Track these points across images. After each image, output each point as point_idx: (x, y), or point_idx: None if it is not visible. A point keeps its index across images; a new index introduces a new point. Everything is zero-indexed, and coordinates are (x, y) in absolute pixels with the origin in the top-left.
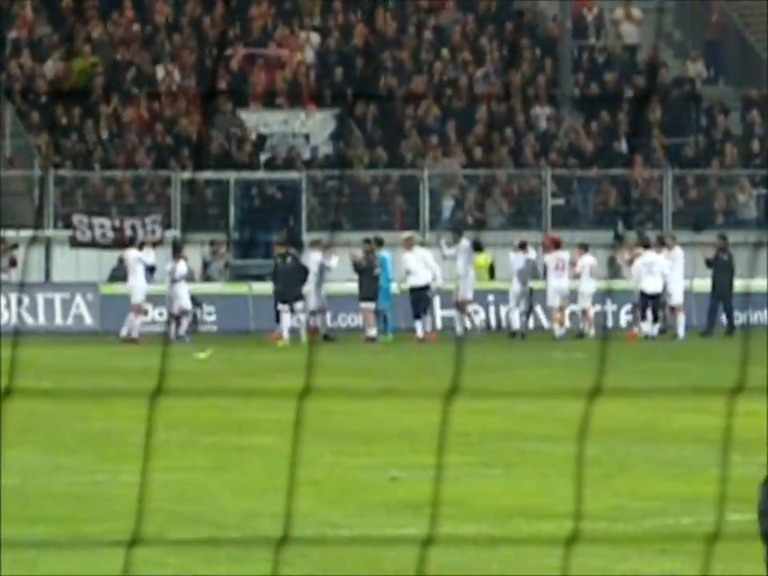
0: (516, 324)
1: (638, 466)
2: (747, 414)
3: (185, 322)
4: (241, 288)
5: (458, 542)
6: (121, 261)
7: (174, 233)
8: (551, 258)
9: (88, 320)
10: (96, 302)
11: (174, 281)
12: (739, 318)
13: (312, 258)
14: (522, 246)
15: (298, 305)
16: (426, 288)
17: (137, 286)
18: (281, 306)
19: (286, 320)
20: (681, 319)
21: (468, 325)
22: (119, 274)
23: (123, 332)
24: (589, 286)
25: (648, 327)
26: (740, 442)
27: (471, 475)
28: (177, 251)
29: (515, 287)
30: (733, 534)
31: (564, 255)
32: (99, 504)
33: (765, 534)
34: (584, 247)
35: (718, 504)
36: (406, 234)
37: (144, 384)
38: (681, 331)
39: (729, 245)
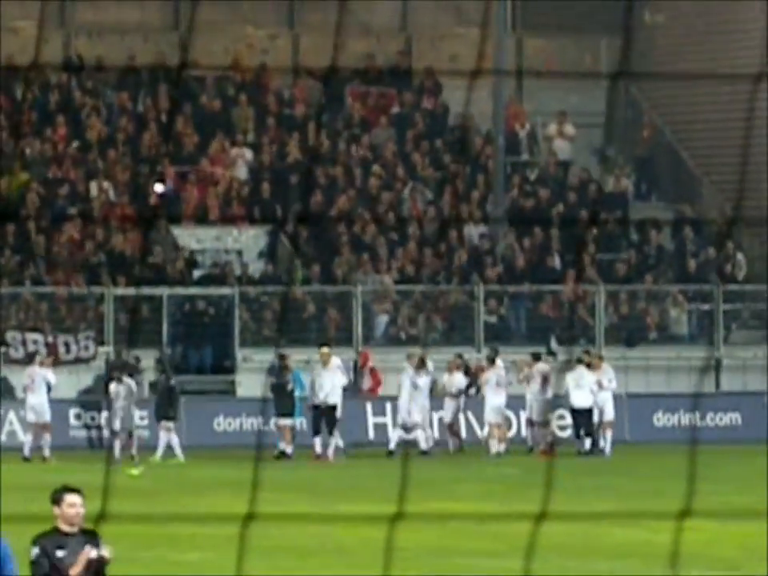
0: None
1: None
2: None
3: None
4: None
5: None
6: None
7: (107, 349)
8: (490, 375)
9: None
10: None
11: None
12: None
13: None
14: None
15: (168, 424)
16: (333, 408)
17: (44, 403)
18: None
19: (163, 437)
20: (609, 436)
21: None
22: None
23: (26, 451)
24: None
25: (582, 443)
26: (668, 557)
27: None
28: (114, 371)
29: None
30: None
31: (502, 371)
32: None
33: None
34: (536, 357)
35: None
36: (325, 350)
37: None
38: (608, 448)
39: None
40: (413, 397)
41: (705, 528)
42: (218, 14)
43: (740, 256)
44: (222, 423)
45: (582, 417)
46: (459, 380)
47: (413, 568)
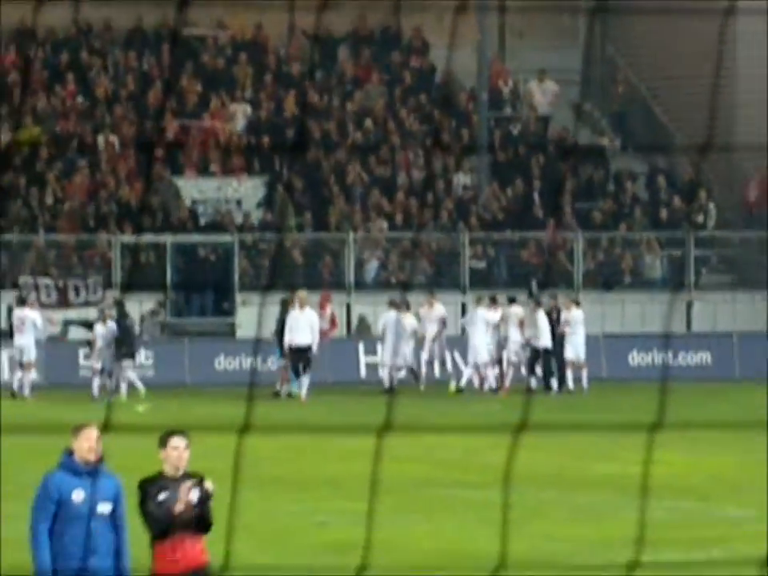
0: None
1: (550, 511)
2: (655, 462)
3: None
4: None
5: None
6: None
7: (114, 293)
8: (482, 316)
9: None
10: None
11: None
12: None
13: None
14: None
15: (125, 362)
16: (307, 349)
17: (31, 343)
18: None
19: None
20: (584, 375)
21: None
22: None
23: (15, 386)
24: (516, 336)
25: (535, 381)
26: (643, 488)
27: (395, 520)
28: (101, 312)
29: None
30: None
31: (493, 314)
32: None
33: None
34: (512, 300)
35: (636, 544)
36: (302, 293)
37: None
38: (585, 385)
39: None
40: (399, 338)
41: (675, 461)
42: None
43: (711, 205)
44: (222, 362)
45: (543, 357)
46: (438, 311)
47: (399, 499)
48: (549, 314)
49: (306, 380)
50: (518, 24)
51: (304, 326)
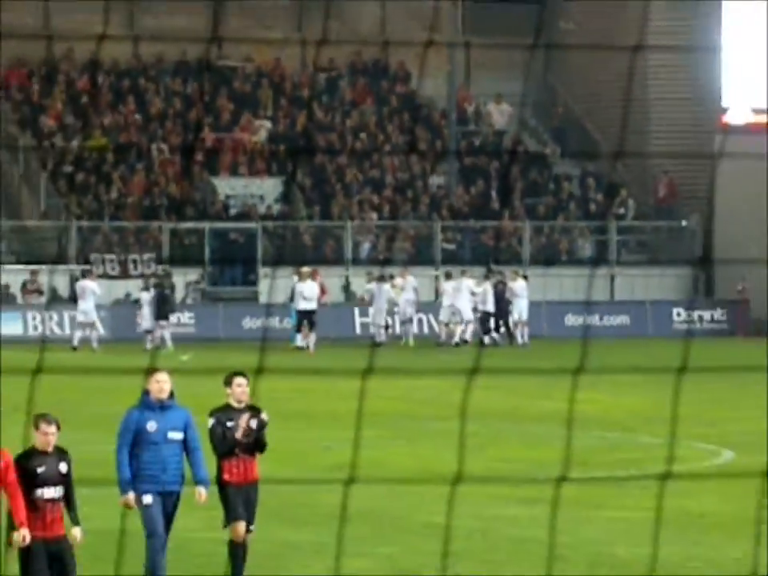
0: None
1: (506, 439)
2: (584, 401)
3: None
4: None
5: (374, 488)
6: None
7: (164, 266)
8: (447, 286)
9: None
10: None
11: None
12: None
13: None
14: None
15: (162, 322)
16: (312, 312)
17: (91, 307)
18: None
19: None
20: (525, 332)
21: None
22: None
23: (75, 342)
24: (466, 303)
25: (488, 338)
26: (579, 421)
27: (382, 445)
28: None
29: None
30: (573, 486)
31: (455, 284)
32: None
33: None
34: (448, 275)
35: (563, 465)
36: (306, 269)
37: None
38: (526, 340)
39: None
40: (379, 302)
41: (603, 400)
42: (245, 21)
43: (630, 201)
44: (248, 322)
45: (485, 318)
46: (411, 281)
47: (385, 429)
48: (496, 286)
49: (313, 337)
50: (479, 58)
51: (308, 294)
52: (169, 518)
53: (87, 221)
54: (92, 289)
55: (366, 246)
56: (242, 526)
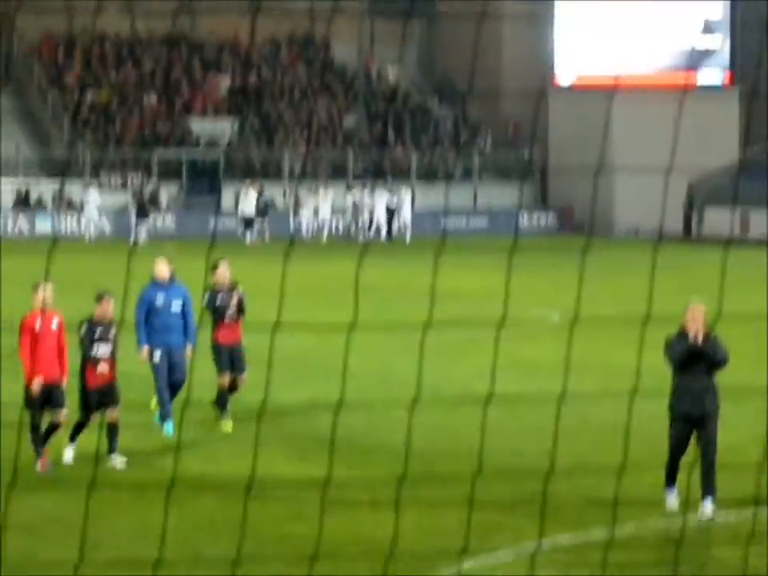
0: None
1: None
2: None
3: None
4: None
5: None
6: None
7: (152, 182)
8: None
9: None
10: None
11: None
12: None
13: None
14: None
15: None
16: (251, 220)
17: (95, 213)
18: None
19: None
20: (408, 232)
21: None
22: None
23: (87, 239)
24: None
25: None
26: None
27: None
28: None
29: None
30: None
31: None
32: None
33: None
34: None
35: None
36: (247, 181)
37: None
38: (408, 238)
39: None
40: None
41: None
42: (215, 3)
43: (489, 137)
44: (212, 223)
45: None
46: (330, 194)
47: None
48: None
49: (249, 234)
50: (380, 31)
51: (249, 202)
52: (177, 366)
53: (97, 150)
54: (94, 198)
55: (297, 168)
56: (227, 376)
